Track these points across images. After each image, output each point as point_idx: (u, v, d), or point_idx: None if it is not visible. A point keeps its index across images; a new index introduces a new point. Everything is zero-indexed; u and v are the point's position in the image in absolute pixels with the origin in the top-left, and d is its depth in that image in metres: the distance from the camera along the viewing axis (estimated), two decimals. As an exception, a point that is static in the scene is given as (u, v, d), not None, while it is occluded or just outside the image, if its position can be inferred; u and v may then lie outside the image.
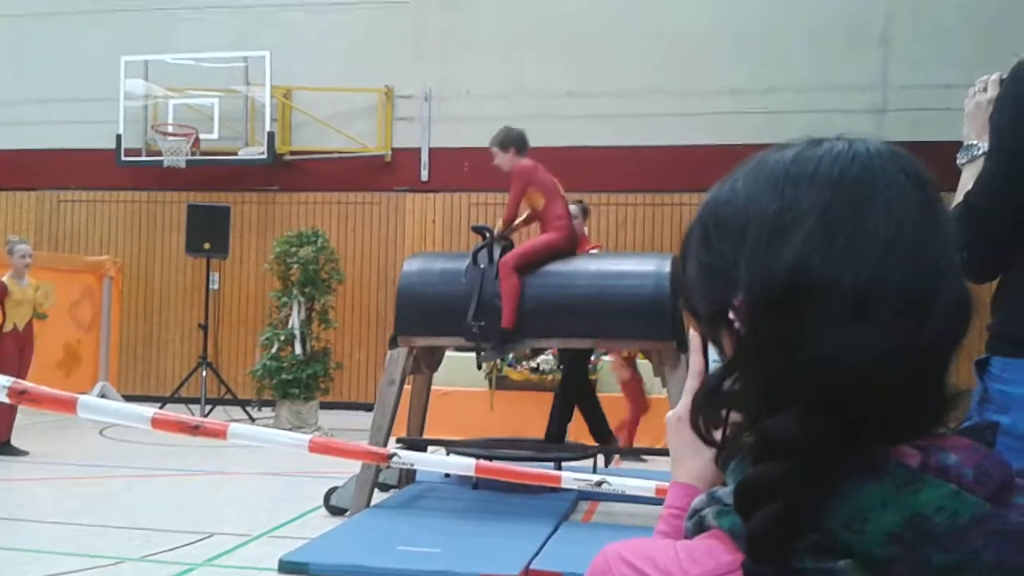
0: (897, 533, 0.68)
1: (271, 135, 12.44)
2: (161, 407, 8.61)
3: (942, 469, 0.70)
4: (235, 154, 12.63)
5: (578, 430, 9.04)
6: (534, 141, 11.98)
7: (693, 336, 0.91)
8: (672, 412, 0.94)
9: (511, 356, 9.40)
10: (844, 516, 0.69)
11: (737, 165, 0.83)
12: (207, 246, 11.47)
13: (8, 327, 8.18)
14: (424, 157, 12.72)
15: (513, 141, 6.35)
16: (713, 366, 0.87)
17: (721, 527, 0.74)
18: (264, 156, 12.46)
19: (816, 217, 0.73)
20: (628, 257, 6.95)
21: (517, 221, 6.46)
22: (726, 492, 0.76)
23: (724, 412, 0.80)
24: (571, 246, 6.18)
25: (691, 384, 0.90)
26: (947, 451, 0.72)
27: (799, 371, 0.71)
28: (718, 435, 0.81)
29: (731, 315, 0.77)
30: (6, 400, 3.43)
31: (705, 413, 0.82)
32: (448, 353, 7.27)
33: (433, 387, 7.28)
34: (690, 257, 0.84)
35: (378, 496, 6.32)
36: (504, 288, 5.87)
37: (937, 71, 11.40)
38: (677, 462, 0.93)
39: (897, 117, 11.32)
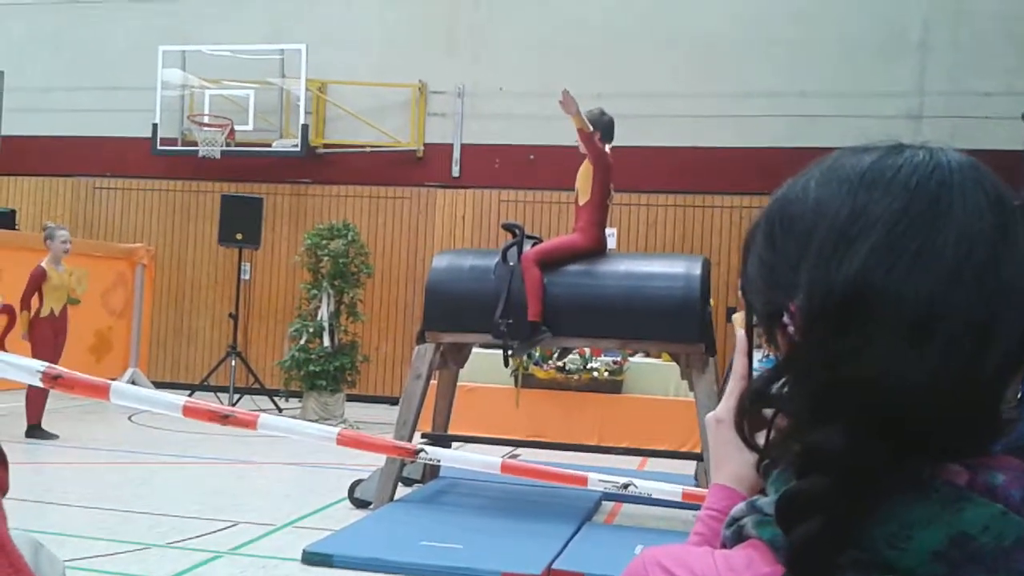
0: (941, 551, 0.67)
1: (305, 128, 12.51)
2: (190, 395, 8.69)
3: (989, 489, 0.69)
4: (269, 146, 12.71)
5: (596, 430, 9.05)
6: (564, 140, 11.97)
7: (739, 338, 0.90)
8: (711, 414, 0.93)
9: (537, 354, 9.40)
10: (888, 532, 0.68)
11: (813, 162, 0.80)
12: (239, 237, 11.56)
13: (45, 312, 8.27)
14: (456, 153, 12.74)
15: (601, 126, 6.10)
16: (757, 368, 0.86)
17: (761, 537, 0.73)
18: (298, 149, 12.53)
19: (885, 229, 0.71)
20: (657, 258, 6.93)
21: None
22: (767, 502, 0.75)
23: (769, 416, 0.79)
24: (595, 254, 6.09)
25: (734, 386, 0.89)
26: (995, 471, 0.70)
27: (850, 387, 0.70)
28: (761, 439, 0.80)
29: (786, 319, 0.76)
30: (40, 384, 3.48)
31: (751, 416, 0.81)
32: (475, 350, 7.28)
33: (459, 383, 7.29)
34: (752, 252, 0.81)
35: (402, 490, 6.34)
36: (527, 281, 5.84)
37: (975, 79, 11.27)
38: (717, 464, 0.92)
39: (934, 124, 11.19)
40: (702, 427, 5.49)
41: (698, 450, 6.90)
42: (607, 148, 6.13)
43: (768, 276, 0.79)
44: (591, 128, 5.95)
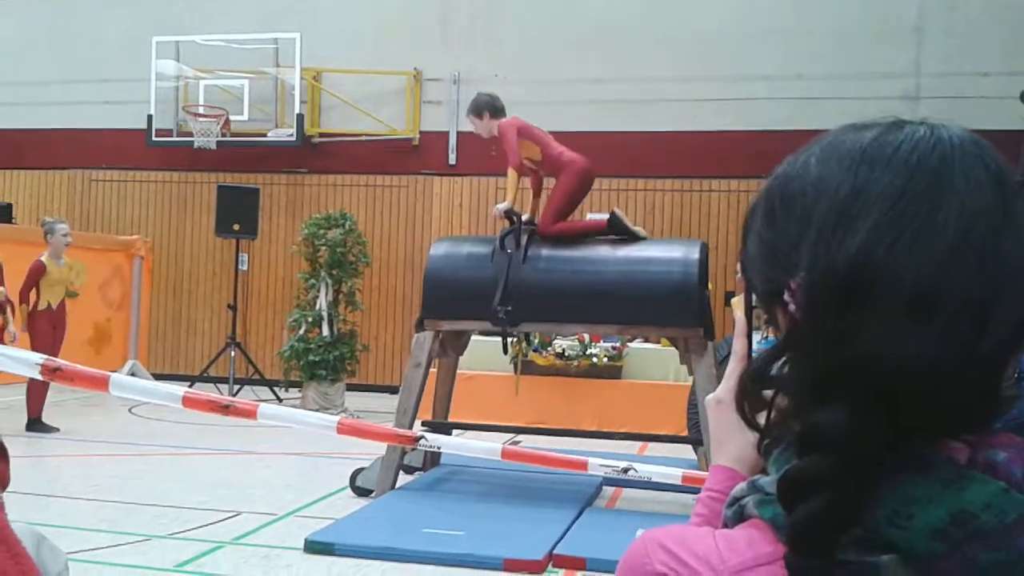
0: (942, 529, 0.67)
1: (300, 117, 12.48)
2: (190, 386, 8.71)
3: (990, 466, 0.69)
4: (264, 136, 12.68)
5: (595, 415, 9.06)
6: (562, 126, 11.96)
7: (738, 319, 0.89)
8: (711, 395, 0.93)
9: (536, 340, 9.41)
10: (889, 510, 0.68)
11: (813, 139, 0.80)
12: (236, 227, 11.55)
13: (42, 306, 8.28)
14: (452, 141, 12.71)
15: (486, 106, 6.30)
16: (756, 349, 0.86)
17: (762, 517, 0.73)
18: (293, 138, 12.50)
19: (886, 206, 0.71)
20: (655, 244, 6.92)
21: (529, 213, 6.33)
22: (767, 481, 0.75)
23: (770, 395, 0.78)
24: (590, 178, 6.21)
25: (734, 366, 0.89)
26: (996, 448, 0.70)
27: (851, 364, 0.69)
28: (761, 419, 0.80)
29: (787, 297, 0.75)
30: (39, 377, 3.48)
31: (751, 396, 0.81)
32: (474, 337, 7.28)
33: (458, 371, 7.30)
34: (752, 230, 0.81)
35: (403, 478, 6.35)
36: (566, 233, 5.99)
37: (971, 59, 11.25)
38: (718, 445, 0.92)
39: (931, 105, 11.17)
40: (701, 411, 5.50)
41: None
42: (501, 121, 6.23)
43: (768, 254, 0.78)
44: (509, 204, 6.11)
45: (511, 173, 6.11)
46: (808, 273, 0.73)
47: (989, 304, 0.69)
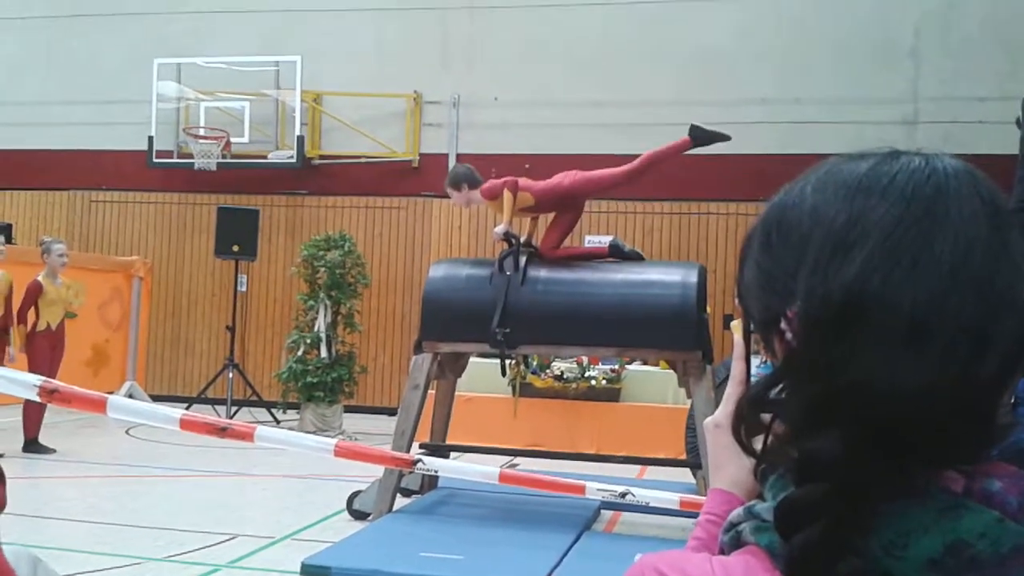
0: (937, 559, 0.67)
1: (300, 139, 12.52)
2: (187, 408, 8.69)
3: (986, 496, 0.69)
4: (265, 157, 12.71)
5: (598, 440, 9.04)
6: (560, 148, 12.00)
7: (736, 343, 0.90)
8: (710, 418, 0.93)
9: (534, 363, 9.40)
10: (885, 539, 0.68)
11: (810, 168, 0.80)
12: (236, 248, 11.56)
13: (41, 326, 8.27)
14: (451, 163, 12.72)
15: (464, 178, 6.35)
16: (755, 373, 0.86)
17: (759, 544, 0.73)
18: (293, 160, 12.53)
19: (882, 235, 0.71)
20: (654, 266, 6.92)
21: (525, 236, 6.39)
22: (764, 508, 0.75)
23: (767, 421, 0.79)
24: (575, 204, 6.43)
25: (732, 391, 0.89)
26: (992, 477, 0.70)
27: (847, 392, 0.70)
28: (758, 444, 0.80)
29: (783, 325, 0.76)
30: (37, 399, 3.47)
31: (748, 421, 0.81)
32: (472, 359, 7.27)
33: (457, 393, 7.28)
34: (749, 258, 0.81)
35: (400, 501, 6.33)
36: (570, 256, 6.21)
37: (968, 84, 11.31)
38: (716, 468, 0.92)
39: (928, 130, 11.23)
40: (700, 434, 5.49)
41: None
42: (479, 189, 6.30)
43: (765, 282, 0.79)
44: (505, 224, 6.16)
45: (506, 195, 6.14)
46: (804, 302, 0.73)
47: (985, 332, 0.69)
